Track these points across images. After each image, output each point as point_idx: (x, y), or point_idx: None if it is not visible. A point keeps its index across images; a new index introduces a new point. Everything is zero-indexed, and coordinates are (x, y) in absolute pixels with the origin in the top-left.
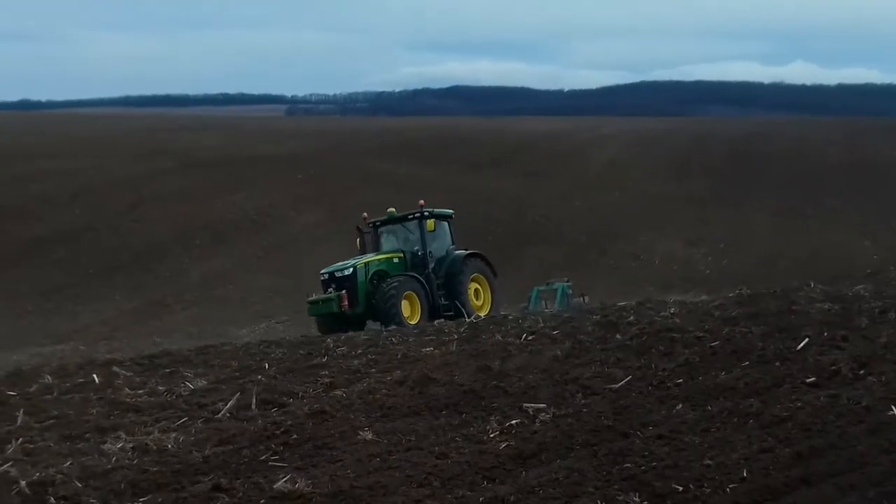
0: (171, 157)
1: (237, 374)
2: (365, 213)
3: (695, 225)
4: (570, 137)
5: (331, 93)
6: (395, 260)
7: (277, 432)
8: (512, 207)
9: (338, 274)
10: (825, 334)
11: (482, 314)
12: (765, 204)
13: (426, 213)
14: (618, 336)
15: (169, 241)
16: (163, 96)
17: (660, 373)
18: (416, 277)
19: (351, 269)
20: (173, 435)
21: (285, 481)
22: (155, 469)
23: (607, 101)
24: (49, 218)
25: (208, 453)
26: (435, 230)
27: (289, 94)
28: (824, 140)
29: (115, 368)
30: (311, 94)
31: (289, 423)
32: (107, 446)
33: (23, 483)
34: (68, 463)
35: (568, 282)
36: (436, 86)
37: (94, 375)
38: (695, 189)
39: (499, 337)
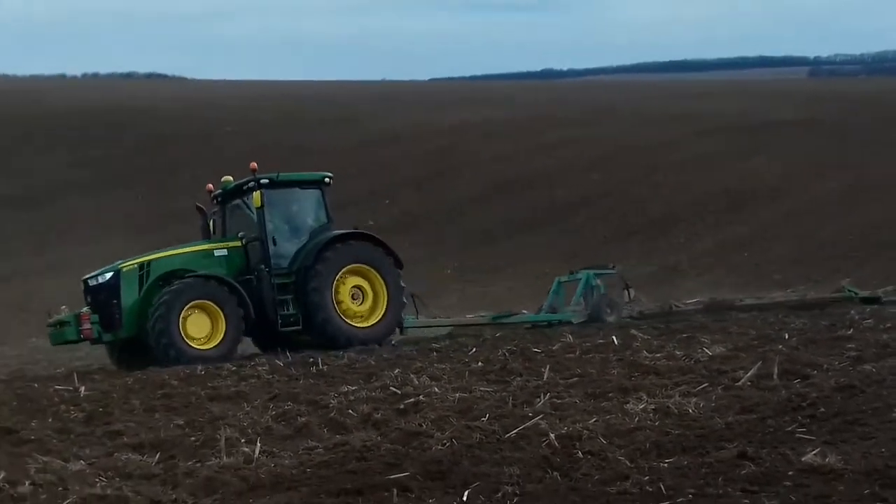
0: (687, 123)
1: (755, 342)
2: (210, 185)
3: None
4: None
5: (857, 52)
6: (220, 252)
7: (803, 404)
8: None
9: (92, 282)
10: None
11: (364, 326)
12: None
13: (260, 182)
14: None
15: (683, 208)
16: (679, 62)
17: None
18: (217, 278)
19: (111, 274)
20: (693, 400)
21: (814, 454)
22: (677, 432)
23: None
24: (569, 185)
25: (731, 420)
26: (263, 205)
27: (811, 55)
28: None
29: (634, 331)
30: (835, 55)
31: (814, 395)
32: (629, 406)
33: (552, 436)
34: (593, 420)
35: (613, 267)
36: None
37: (614, 337)
38: None
39: None
